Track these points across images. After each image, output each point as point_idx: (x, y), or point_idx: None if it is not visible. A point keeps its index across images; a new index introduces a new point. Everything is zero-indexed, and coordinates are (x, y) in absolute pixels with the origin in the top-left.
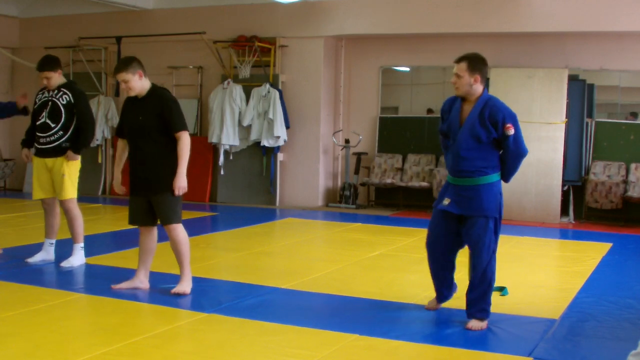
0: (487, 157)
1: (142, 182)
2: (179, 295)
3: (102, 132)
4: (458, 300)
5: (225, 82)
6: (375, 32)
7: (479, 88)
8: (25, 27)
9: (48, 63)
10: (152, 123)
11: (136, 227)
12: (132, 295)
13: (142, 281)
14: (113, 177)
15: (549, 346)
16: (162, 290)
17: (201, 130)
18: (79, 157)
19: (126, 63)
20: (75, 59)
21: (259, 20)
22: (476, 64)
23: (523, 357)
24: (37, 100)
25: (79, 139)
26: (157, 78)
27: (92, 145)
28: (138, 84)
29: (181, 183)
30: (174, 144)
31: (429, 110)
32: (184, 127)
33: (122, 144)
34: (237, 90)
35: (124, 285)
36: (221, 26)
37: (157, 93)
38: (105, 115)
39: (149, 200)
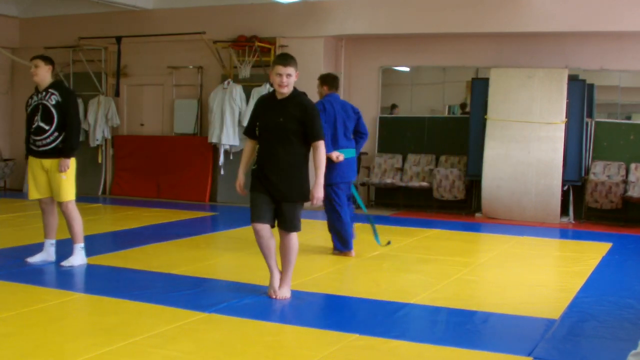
0: None
1: (274, 187)
2: (280, 299)
3: (102, 132)
4: (458, 301)
5: (225, 82)
6: (375, 32)
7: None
8: (25, 27)
9: (40, 55)
10: (292, 126)
11: (258, 224)
12: (132, 295)
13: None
14: (237, 178)
15: (549, 346)
16: (162, 290)
17: (201, 130)
18: (69, 161)
19: (291, 59)
20: (75, 59)
21: (259, 20)
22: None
23: (523, 357)
24: (28, 105)
25: (65, 143)
26: (157, 78)
27: (92, 145)
28: (293, 83)
29: (320, 193)
30: (306, 151)
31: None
32: (323, 137)
33: (251, 145)
34: (237, 90)
35: (274, 285)
36: (221, 26)
37: (300, 97)
38: (105, 115)
39: (275, 202)
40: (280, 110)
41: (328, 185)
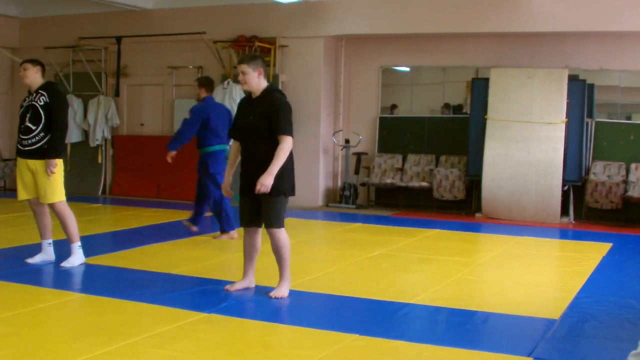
0: None
1: (251, 183)
2: (278, 298)
3: (102, 132)
4: (458, 301)
5: (225, 82)
6: (375, 32)
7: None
8: (25, 27)
9: (28, 59)
10: (261, 124)
11: (245, 228)
12: (131, 295)
13: (251, 281)
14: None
15: (549, 346)
16: (161, 290)
17: None
18: (56, 161)
19: (251, 57)
20: (75, 59)
21: (259, 20)
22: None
23: (523, 357)
24: (20, 107)
25: (50, 144)
26: (157, 78)
27: (92, 145)
28: (255, 80)
29: (266, 181)
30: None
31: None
32: (287, 132)
33: (235, 146)
34: (237, 90)
35: (238, 285)
36: (221, 26)
37: (270, 95)
38: (105, 115)
39: (256, 201)
40: (253, 109)
41: (213, 174)
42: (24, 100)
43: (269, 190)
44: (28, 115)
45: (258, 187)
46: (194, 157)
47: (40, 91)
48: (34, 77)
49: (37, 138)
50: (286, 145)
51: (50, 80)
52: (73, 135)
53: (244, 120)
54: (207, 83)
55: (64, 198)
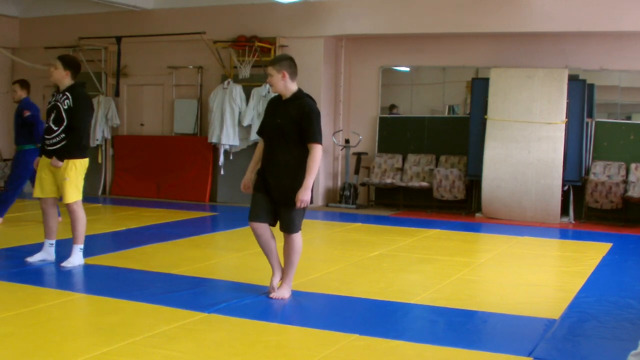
0: None
1: (272, 189)
2: (278, 299)
3: (102, 132)
4: (458, 301)
5: (225, 82)
6: (375, 32)
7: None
8: (25, 27)
9: (64, 56)
10: (289, 128)
11: (254, 223)
12: (131, 295)
13: (281, 272)
14: (245, 176)
15: (549, 346)
16: (161, 290)
17: (201, 130)
18: (61, 162)
19: (276, 59)
20: None
21: (259, 20)
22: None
23: (523, 357)
24: (48, 104)
25: (64, 146)
26: (157, 78)
27: (91, 145)
28: (280, 83)
29: (305, 197)
30: (307, 154)
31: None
32: (318, 140)
33: (262, 145)
34: (237, 90)
35: (274, 283)
36: (221, 26)
37: (300, 99)
38: (105, 115)
39: (273, 202)
40: (281, 112)
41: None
42: (52, 96)
43: (309, 203)
44: (52, 115)
45: (298, 204)
46: (194, 156)
47: (66, 93)
48: (60, 78)
49: (57, 139)
50: (317, 155)
51: (79, 81)
52: None
53: (272, 122)
54: (28, 85)
55: (79, 198)
